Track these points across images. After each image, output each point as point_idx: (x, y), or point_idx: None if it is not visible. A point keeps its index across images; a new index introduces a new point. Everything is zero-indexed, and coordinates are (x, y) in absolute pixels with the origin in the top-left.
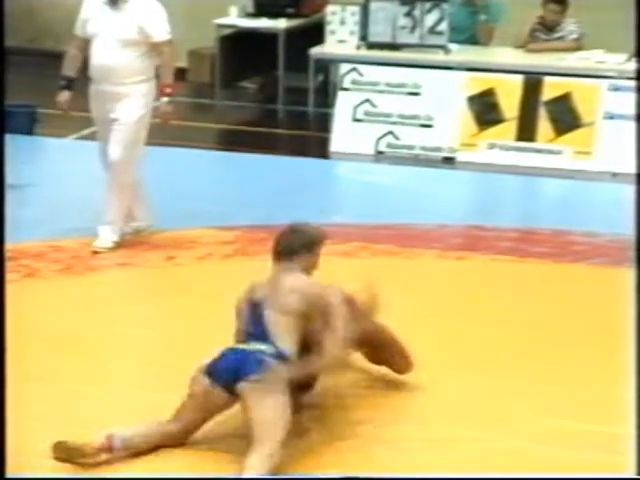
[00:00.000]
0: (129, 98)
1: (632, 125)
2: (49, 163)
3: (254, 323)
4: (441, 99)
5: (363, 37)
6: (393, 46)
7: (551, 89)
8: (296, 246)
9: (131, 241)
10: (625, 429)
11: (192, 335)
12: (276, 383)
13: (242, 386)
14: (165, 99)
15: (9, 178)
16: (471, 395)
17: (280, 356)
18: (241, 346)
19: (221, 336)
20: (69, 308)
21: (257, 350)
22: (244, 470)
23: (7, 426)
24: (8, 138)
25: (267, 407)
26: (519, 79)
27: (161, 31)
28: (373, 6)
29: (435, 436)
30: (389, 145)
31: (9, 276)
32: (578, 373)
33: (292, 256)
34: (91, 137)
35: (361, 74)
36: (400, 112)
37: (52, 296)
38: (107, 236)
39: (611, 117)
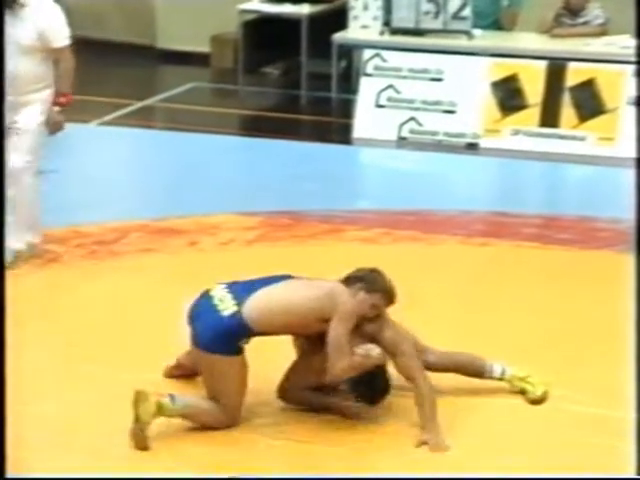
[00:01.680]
0: (30, 105)
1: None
2: (72, 149)
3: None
4: (464, 85)
5: (386, 22)
6: (416, 32)
7: (575, 75)
8: (358, 277)
9: (153, 227)
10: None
11: None
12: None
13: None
14: (57, 108)
15: None
16: (493, 381)
17: (238, 322)
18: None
19: None
20: (92, 293)
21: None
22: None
23: (6, 426)
24: None
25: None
26: (543, 65)
27: (61, 36)
28: None
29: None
30: (412, 131)
31: (33, 260)
32: (602, 360)
33: (350, 281)
34: (114, 123)
35: (384, 60)
36: (423, 98)
37: (75, 281)
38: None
39: (636, 103)
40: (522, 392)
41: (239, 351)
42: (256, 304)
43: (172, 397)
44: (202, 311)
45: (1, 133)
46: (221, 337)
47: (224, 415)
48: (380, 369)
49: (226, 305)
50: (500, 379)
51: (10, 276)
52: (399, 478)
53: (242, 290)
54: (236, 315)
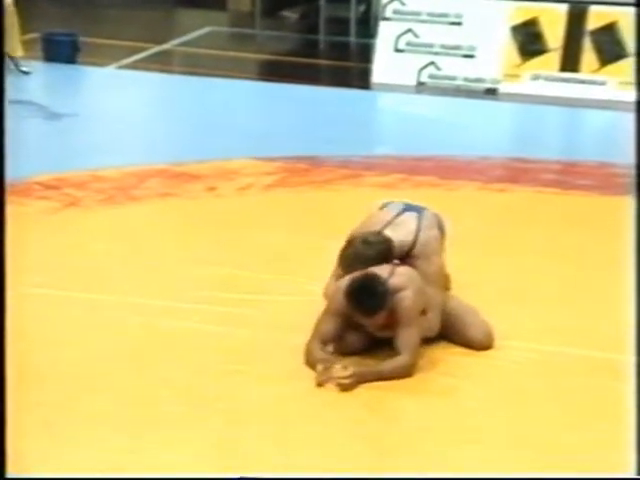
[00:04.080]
0: None
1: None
2: (91, 93)
3: None
4: (484, 29)
5: None
6: None
7: (596, 18)
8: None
9: (172, 171)
10: None
11: (232, 265)
12: None
13: None
14: None
15: (53, 107)
16: (511, 327)
17: None
18: None
19: (261, 266)
20: (110, 237)
21: None
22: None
23: (7, 426)
24: (51, 67)
25: None
26: (564, 8)
27: None
28: None
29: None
30: (431, 76)
31: (52, 204)
32: (619, 306)
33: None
34: (132, 66)
35: (403, 3)
36: (442, 42)
37: (94, 225)
38: None
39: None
40: None
41: None
42: None
43: None
44: None
45: (1, 132)
46: None
47: None
48: (371, 280)
49: None
50: None
51: (28, 219)
52: (399, 478)
53: None
54: None
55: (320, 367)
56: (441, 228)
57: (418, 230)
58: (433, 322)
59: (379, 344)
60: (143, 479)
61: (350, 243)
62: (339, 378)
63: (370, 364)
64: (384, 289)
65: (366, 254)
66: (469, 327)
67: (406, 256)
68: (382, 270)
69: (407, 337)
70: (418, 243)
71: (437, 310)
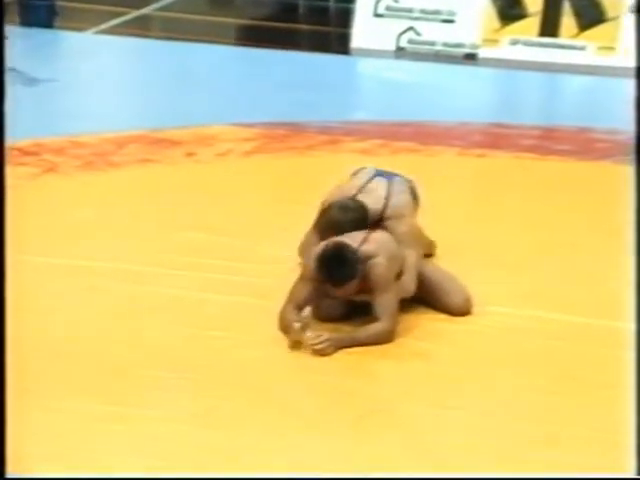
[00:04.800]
0: None
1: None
2: (70, 58)
3: None
4: None
5: None
6: None
7: None
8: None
9: (151, 137)
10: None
11: (212, 231)
12: None
13: None
14: None
15: (30, 72)
16: (489, 293)
17: None
18: None
19: (240, 232)
20: (89, 203)
21: None
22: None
23: (6, 426)
24: (28, 32)
25: None
26: None
27: None
28: None
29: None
30: (410, 41)
31: (31, 170)
32: (597, 271)
33: None
34: (111, 31)
35: None
36: (422, 7)
37: (72, 191)
38: None
39: (637, 11)
40: None
41: None
42: None
43: None
44: None
45: (1, 132)
46: None
47: None
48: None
49: None
50: None
51: (6, 185)
52: (399, 478)
53: None
54: None
55: (292, 332)
56: (414, 194)
57: (388, 195)
58: (408, 283)
59: (357, 311)
60: (144, 479)
61: (326, 210)
62: (314, 345)
63: (348, 331)
64: (354, 258)
65: (342, 220)
66: (448, 293)
67: (378, 220)
68: (356, 237)
69: (385, 303)
70: (388, 208)
71: (412, 271)
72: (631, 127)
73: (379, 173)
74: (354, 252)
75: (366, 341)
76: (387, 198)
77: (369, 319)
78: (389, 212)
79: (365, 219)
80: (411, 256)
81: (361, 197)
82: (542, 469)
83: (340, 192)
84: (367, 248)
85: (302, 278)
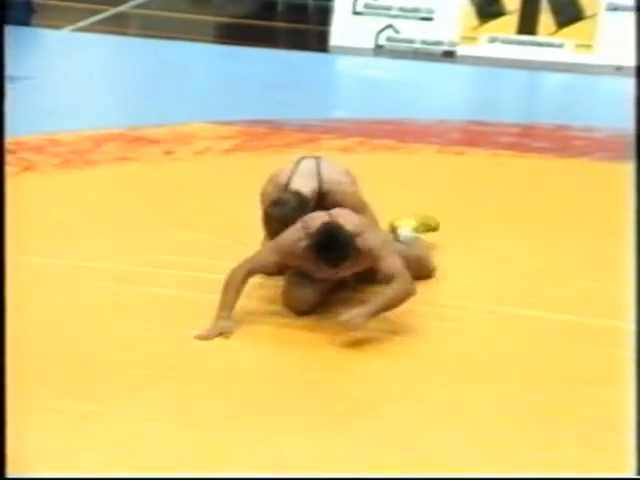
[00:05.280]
0: None
1: (636, 17)
2: (47, 56)
3: None
4: None
5: None
6: None
7: None
8: None
9: (129, 135)
10: (624, 323)
11: (191, 229)
12: None
13: None
14: None
15: (7, 70)
16: (470, 290)
17: None
18: None
19: (220, 230)
20: (67, 202)
21: None
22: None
23: (6, 426)
24: (6, 29)
25: None
26: None
27: None
28: None
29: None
30: (389, 39)
31: (8, 169)
32: (577, 267)
33: None
34: (88, 29)
35: None
36: (400, 5)
37: (51, 190)
38: None
39: (615, 9)
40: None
41: None
42: None
43: None
44: None
45: (1, 132)
46: None
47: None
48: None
49: None
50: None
51: None
52: (399, 478)
53: None
54: None
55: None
56: (348, 173)
57: (318, 169)
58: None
59: (333, 302)
60: (140, 479)
61: (265, 210)
62: (348, 320)
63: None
64: (348, 238)
65: (281, 214)
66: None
67: (320, 198)
68: (320, 218)
69: (390, 265)
70: (323, 182)
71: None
72: (630, 126)
73: (305, 157)
74: (347, 232)
75: (391, 303)
76: (318, 172)
77: (350, 305)
78: (326, 186)
79: (303, 204)
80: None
81: (294, 180)
82: (530, 467)
83: (272, 182)
84: (348, 228)
85: (272, 249)
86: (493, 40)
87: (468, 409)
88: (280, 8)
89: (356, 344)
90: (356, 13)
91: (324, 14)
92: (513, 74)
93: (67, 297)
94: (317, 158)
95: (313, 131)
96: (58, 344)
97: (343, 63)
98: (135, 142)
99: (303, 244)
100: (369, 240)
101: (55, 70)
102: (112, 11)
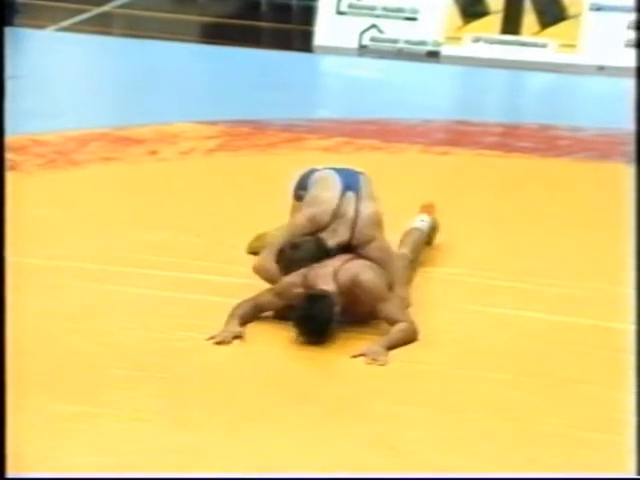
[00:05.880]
0: None
1: (619, 17)
2: (30, 56)
3: None
4: None
5: None
6: None
7: None
8: None
9: (113, 135)
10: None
11: (175, 229)
12: None
13: None
14: None
15: None
16: (454, 289)
17: None
18: None
19: (204, 230)
20: (52, 202)
21: None
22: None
23: (6, 426)
24: None
25: None
26: None
27: None
28: None
29: None
30: (373, 39)
31: None
32: (563, 266)
33: None
34: (72, 29)
35: None
36: (384, 5)
37: (35, 190)
38: None
39: (598, 9)
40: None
41: None
42: None
43: None
44: None
45: (1, 134)
46: None
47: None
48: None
49: None
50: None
51: None
52: (398, 478)
53: None
54: None
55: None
56: (379, 219)
57: (355, 218)
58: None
59: None
60: (142, 479)
61: (282, 249)
62: (375, 360)
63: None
64: (327, 317)
65: (297, 257)
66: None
67: (347, 246)
68: (330, 265)
69: (391, 308)
70: (354, 236)
71: (404, 284)
72: (592, 124)
73: (346, 185)
74: (329, 309)
75: (398, 342)
76: (354, 223)
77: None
78: (356, 242)
79: (321, 249)
80: (399, 270)
81: (334, 226)
82: (513, 467)
83: (314, 220)
84: (342, 277)
85: (273, 290)
86: (477, 40)
87: (447, 408)
88: (264, 8)
89: (341, 344)
90: (340, 13)
91: (308, 14)
92: (497, 74)
93: (51, 298)
94: (355, 187)
95: (297, 131)
96: (41, 345)
97: (327, 63)
98: (119, 142)
99: (298, 290)
100: (365, 281)
101: (39, 70)
102: (96, 11)
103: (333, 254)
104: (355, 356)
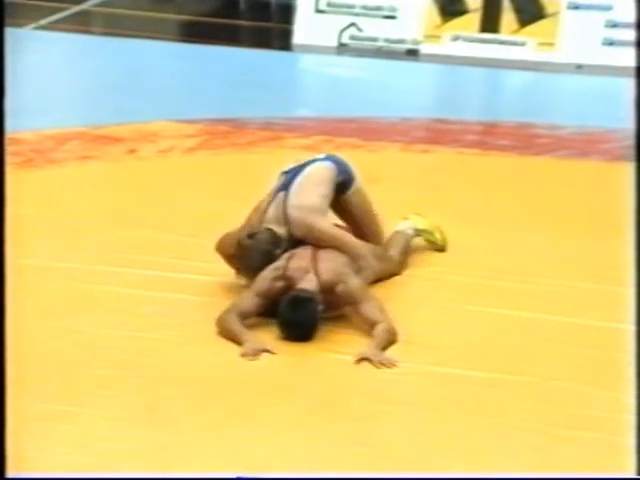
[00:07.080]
0: None
1: (597, 15)
2: (8, 54)
3: None
4: None
5: None
6: None
7: None
8: None
9: (92, 134)
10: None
11: (153, 228)
12: None
13: None
14: None
15: None
16: (434, 287)
17: None
18: None
19: (183, 229)
20: (30, 201)
21: None
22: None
23: (6, 426)
24: None
25: None
26: None
27: None
28: None
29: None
30: (352, 37)
31: None
32: (541, 264)
33: None
34: (50, 27)
35: None
36: (363, 3)
37: (12, 189)
38: None
39: (576, 7)
40: (428, 242)
41: None
42: None
43: None
44: None
45: (1, 134)
46: None
47: None
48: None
49: None
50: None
51: None
52: (398, 478)
53: None
54: None
55: (246, 343)
56: (346, 172)
57: (285, 209)
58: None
59: None
60: (142, 479)
61: (239, 240)
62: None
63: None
64: (314, 322)
65: (254, 245)
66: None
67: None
68: (302, 257)
69: (371, 310)
70: (291, 225)
71: (378, 255)
72: (571, 122)
73: (283, 186)
74: (313, 309)
75: (387, 343)
76: (286, 222)
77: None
78: (295, 228)
79: (275, 240)
80: (364, 246)
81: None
82: (501, 466)
83: (248, 221)
84: (325, 277)
85: (252, 291)
86: (456, 38)
87: (428, 405)
88: (242, 6)
89: (320, 340)
90: (319, 11)
91: (287, 12)
92: (476, 72)
93: (29, 297)
94: (286, 189)
95: (276, 129)
96: (20, 345)
97: (306, 61)
98: (98, 141)
99: (280, 284)
100: (348, 288)
101: (16, 69)
102: (74, 9)
103: (285, 244)
104: (358, 361)
